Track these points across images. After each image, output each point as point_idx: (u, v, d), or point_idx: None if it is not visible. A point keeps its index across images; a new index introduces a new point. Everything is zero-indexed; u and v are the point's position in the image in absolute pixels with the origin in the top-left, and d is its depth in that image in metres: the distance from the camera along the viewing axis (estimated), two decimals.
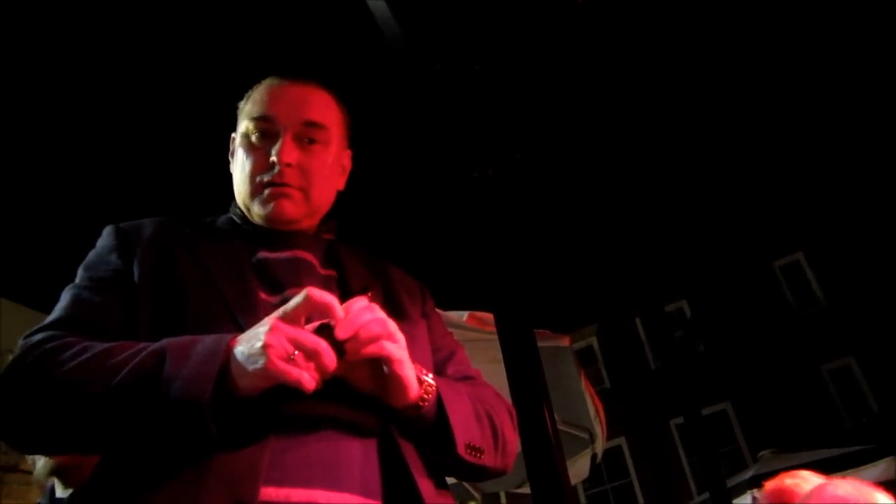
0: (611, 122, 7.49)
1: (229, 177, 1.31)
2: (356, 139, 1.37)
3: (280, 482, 0.90)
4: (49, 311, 1.07)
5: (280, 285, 1.11)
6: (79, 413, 0.91)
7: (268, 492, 0.89)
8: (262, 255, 1.16)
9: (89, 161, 6.25)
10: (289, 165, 1.18)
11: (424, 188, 6.87)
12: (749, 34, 7.57)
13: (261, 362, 0.87)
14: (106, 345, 0.96)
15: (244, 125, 1.25)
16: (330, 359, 0.90)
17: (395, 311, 1.20)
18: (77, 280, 1.11)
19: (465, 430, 1.08)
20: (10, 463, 5.55)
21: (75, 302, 1.06)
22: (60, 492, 1.96)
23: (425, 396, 1.04)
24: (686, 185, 10.91)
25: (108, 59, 5.51)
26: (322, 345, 0.90)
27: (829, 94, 9.60)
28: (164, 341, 0.94)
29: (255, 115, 1.23)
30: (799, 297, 19.17)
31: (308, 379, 0.88)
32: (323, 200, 1.26)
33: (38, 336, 1.00)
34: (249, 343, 0.90)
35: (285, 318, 0.92)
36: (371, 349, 0.96)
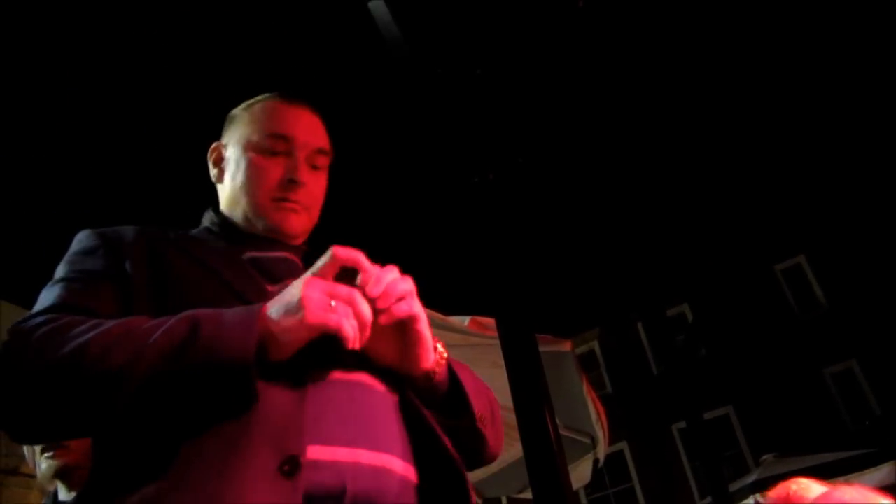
0: (612, 126, 7.49)
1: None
2: (359, 144, 1.39)
3: (324, 440, 0.90)
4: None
5: (279, 278, 1.11)
6: (107, 384, 0.86)
7: (314, 450, 0.88)
8: (252, 254, 1.18)
9: (87, 164, 6.26)
10: (304, 185, 1.25)
11: (426, 193, 6.88)
12: (751, 41, 7.58)
13: (301, 313, 0.89)
14: (121, 319, 0.93)
15: (256, 137, 1.27)
16: (366, 309, 0.92)
17: None
18: (60, 274, 1.06)
19: (476, 401, 1.12)
20: (10, 466, 5.53)
21: (66, 291, 1.01)
22: (64, 495, 1.94)
23: (440, 361, 1.09)
24: (687, 189, 10.92)
25: (108, 68, 5.52)
26: (357, 294, 0.93)
27: (830, 98, 9.60)
28: (190, 311, 0.92)
29: (274, 131, 1.27)
30: (801, 300, 19.15)
31: (348, 326, 0.90)
32: (316, 217, 1.33)
33: (36, 319, 0.94)
34: (284, 301, 0.91)
35: (316, 276, 0.95)
36: (401, 307, 0.99)
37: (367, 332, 0.93)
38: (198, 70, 5.39)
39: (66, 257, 1.10)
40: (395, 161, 6.38)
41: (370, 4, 2.83)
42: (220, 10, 5.19)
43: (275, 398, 0.89)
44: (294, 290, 0.92)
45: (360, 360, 1.01)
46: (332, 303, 0.90)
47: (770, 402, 18.29)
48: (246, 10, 5.23)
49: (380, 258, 1.40)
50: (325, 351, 0.94)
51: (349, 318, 0.91)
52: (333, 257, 0.96)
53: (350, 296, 0.92)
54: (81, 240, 1.13)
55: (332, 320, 0.89)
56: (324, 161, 1.31)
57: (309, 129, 1.30)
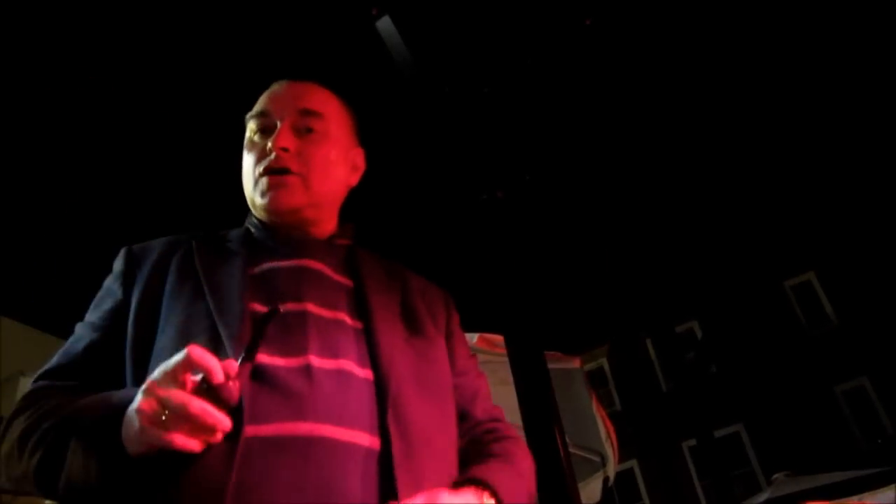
0: (619, 143, 7.50)
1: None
2: (369, 163, 1.37)
3: None
4: (53, 331, 1.14)
5: (280, 296, 1.08)
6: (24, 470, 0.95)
7: None
8: (267, 265, 1.15)
9: (94, 183, 6.30)
10: (285, 150, 1.17)
11: (436, 210, 6.89)
12: (759, 57, 7.59)
13: (136, 426, 0.86)
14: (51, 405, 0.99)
15: (248, 127, 1.26)
16: (203, 408, 0.85)
17: (412, 325, 1.18)
18: (86, 316, 1.15)
19: None
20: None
21: (69, 348, 1.11)
22: None
23: None
24: (695, 206, 10.90)
25: (118, 84, 5.57)
26: (194, 403, 0.84)
27: (838, 114, 9.59)
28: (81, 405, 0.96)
29: (254, 113, 1.25)
30: (811, 317, 19.03)
31: (180, 439, 0.84)
32: (326, 190, 1.23)
33: (29, 387, 1.07)
34: (133, 408, 0.88)
35: (162, 379, 0.88)
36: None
37: (216, 436, 0.87)
38: (211, 94, 5.44)
39: (104, 283, 1.18)
40: (405, 179, 6.40)
41: (378, 24, 2.85)
42: (231, 32, 5.24)
43: (200, 468, 0.88)
44: (137, 398, 0.88)
45: (331, 404, 0.97)
46: (164, 416, 0.84)
47: (781, 419, 18.13)
48: (257, 31, 5.27)
49: (401, 263, 1.39)
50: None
51: (178, 433, 0.84)
52: (185, 356, 0.87)
53: (183, 407, 0.84)
54: (116, 260, 1.19)
55: (159, 435, 0.84)
56: (317, 123, 1.22)
57: (289, 95, 1.24)
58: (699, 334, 20.05)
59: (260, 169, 1.18)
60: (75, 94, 5.55)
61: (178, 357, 0.88)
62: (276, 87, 1.27)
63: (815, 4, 7.04)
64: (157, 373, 0.89)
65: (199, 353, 0.87)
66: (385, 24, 2.91)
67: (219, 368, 0.87)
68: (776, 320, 19.31)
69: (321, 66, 5.37)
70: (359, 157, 1.35)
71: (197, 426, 0.85)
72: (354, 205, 1.39)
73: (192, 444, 0.85)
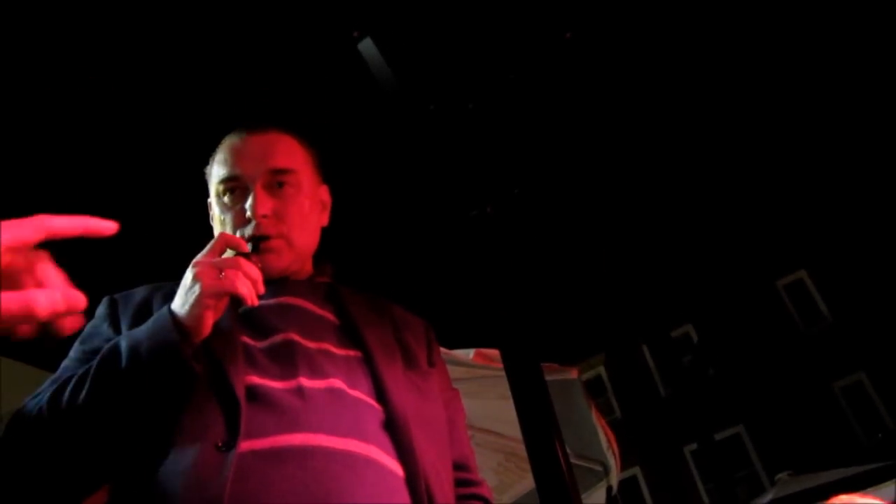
0: (607, 152, 7.54)
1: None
2: (357, 183, 1.38)
3: None
4: (50, 369, 1.11)
5: (267, 330, 1.11)
6: (70, 438, 0.94)
7: None
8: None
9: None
10: (265, 217, 1.18)
11: (426, 228, 6.90)
12: (747, 60, 7.64)
13: (196, 287, 0.96)
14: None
15: (214, 188, 1.26)
16: (253, 269, 0.99)
17: (409, 361, 1.20)
18: (71, 353, 1.14)
19: None
20: None
21: (56, 378, 1.08)
22: None
23: None
24: (683, 209, 10.94)
25: (121, 120, 5.58)
26: (241, 259, 1.00)
27: (827, 114, 9.67)
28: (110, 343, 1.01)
29: (223, 176, 1.23)
30: (805, 315, 19.11)
31: (242, 286, 0.96)
32: (306, 242, 1.26)
33: (25, 407, 1.04)
34: (183, 288, 0.99)
35: (205, 255, 1.02)
36: None
37: (260, 287, 0.99)
38: (194, 120, 5.45)
39: (86, 328, 1.18)
40: (394, 199, 6.41)
41: (360, 45, 2.87)
42: (217, 59, 5.26)
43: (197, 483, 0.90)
44: (188, 273, 0.99)
45: (324, 410, 1.02)
46: (221, 272, 0.97)
47: (781, 418, 18.15)
48: (239, 54, 5.29)
49: (383, 294, 1.40)
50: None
51: (239, 279, 0.96)
52: (219, 237, 1.04)
53: (235, 261, 0.99)
54: (99, 307, 1.21)
55: (226, 284, 0.96)
56: (290, 178, 1.23)
57: (257, 155, 1.23)
58: (695, 338, 20.08)
59: (243, 234, 1.19)
60: (74, 127, 5.56)
61: (213, 240, 1.04)
62: (237, 144, 1.26)
63: (802, 8, 7.11)
64: (199, 256, 1.02)
65: (229, 234, 1.10)
66: (367, 45, 2.92)
67: (245, 244, 1.06)
68: (771, 320, 19.37)
69: (306, 92, 5.39)
70: (325, 195, 1.35)
71: (248, 274, 0.98)
72: (347, 229, 1.39)
73: (248, 293, 0.97)
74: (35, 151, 5.76)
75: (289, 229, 1.21)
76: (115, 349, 0.97)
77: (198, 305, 0.96)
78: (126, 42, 5.20)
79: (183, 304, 0.97)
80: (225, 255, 1.03)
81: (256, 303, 0.99)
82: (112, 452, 0.95)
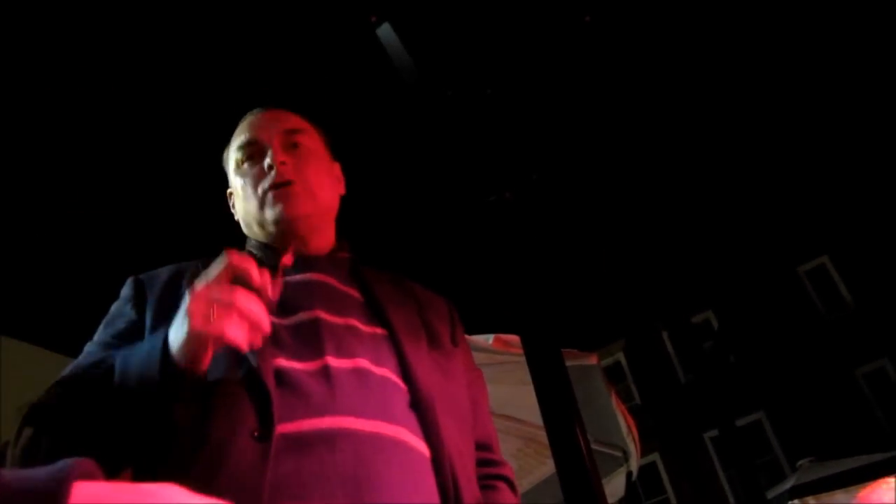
0: (627, 137, 7.48)
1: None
2: (377, 170, 1.39)
3: (294, 498, 0.90)
4: (52, 349, 1.12)
5: (293, 307, 1.11)
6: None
7: None
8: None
9: (99, 206, 6.34)
10: (283, 164, 1.21)
11: (446, 214, 6.89)
12: (767, 45, 7.55)
13: (185, 327, 0.89)
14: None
15: (234, 161, 1.29)
16: (253, 306, 0.90)
17: (432, 340, 1.21)
18: (95, 336, 1.15)
19: None
20: None
21: (80, 363, 1.10)
22: None
23: None
24: (705, 196, 10.86)
25: (121, 95, 5.61)
26: (241, 295, 0.90)
27: (850, 99, 9.54)
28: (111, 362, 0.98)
29: (241, 143, 1.28)
30: (826, 301, 18.92)
31: (231, 331, 0.88)
32: (326, 198, 1.28)
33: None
34: (177, 320, 0.93)
35: (206, 283, 0.93)
36: None
37: (265, 327, 0.92)
38: (213, 111, 5.46)
39: (111, 309, 1.19)
40: (414, 185, 6.41)
41: (378, 31, 2.86)
42: (234, 45, 5.27)
43: (236, 464, 0.91)
44: (184, 303, 0.92)
45: (366, 398, 1.01)
46: (212, 313, 0.88)
47: (802, 405, 18.03)
48: (259, 45, 5.30)
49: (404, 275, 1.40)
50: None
51: (230, 324, 0.88)
52: (227, 263, 0.93)
53: (231, 299, 0.89)
54: (123, 288, 1.21)
55: (212, 329, 0.88)
56: (303, 138, 1.28)
57: (271, 121, 1.29)
58: (715, 324, 19.96)
59: (264, 186, 1.21)
60: (75, 108, 5.59)
61: (218, 263, 0.93)
62: (252, 118, 1.32)
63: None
64: (204, 277, 0.94)
65: (238, 257, 0.94)
66: (385, 31, 2.91)
67: (257, 272, 0.93)
68: (792, 306, 19.20)
69: (325, 78, 5.39)
70: (337, 170, 1.38)
71: (246, 315, 0.89)
72: (368, 215, 1.40)
73: (240, 339, 0.89)
74: (63, 138, 5.81)
75: (308, 179, 1.23)
76: (111, 371, 0.96)
77: (186, 345, 0.91)
78: (145, 32, 5.22)
79: (175, 338, 0.92)
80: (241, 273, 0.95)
81: (247, 350, 0.92)
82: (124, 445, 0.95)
